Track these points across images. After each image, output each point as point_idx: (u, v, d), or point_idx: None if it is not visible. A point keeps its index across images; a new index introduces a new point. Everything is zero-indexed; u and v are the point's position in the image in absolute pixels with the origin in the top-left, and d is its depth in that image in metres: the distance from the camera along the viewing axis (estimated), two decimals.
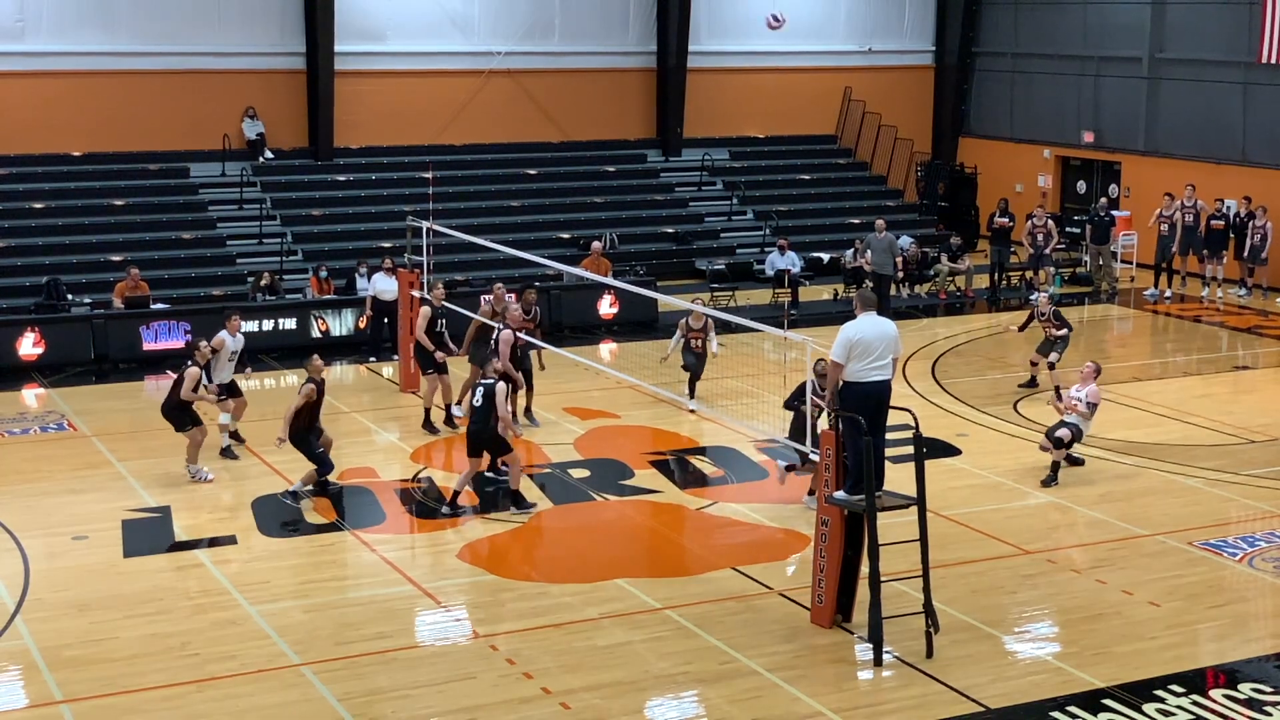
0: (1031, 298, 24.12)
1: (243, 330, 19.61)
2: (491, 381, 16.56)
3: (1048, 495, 17.27)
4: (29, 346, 23.60)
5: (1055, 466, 17.73)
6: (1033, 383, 22.33)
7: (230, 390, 19.11)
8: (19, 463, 18.72)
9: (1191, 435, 20.07)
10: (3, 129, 29.24)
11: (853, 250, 29.94)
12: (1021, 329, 22.55)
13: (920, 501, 13.11)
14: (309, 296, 26.17)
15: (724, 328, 23.07)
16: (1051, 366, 21.64)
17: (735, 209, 34.04)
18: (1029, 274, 30.67)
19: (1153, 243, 30.37)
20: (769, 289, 29.37)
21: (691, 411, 20.32)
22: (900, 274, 29.07)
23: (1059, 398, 20.12)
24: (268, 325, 24.94)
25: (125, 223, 29.01)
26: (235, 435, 19.16)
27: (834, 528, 13.34)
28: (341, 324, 25.41)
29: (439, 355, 20.00)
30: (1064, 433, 17.70)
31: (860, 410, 12.98)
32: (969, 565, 15.11)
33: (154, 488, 17.58)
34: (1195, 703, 12.08)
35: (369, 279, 25.38)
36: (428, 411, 20.11)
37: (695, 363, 21.04)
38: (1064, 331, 21.73)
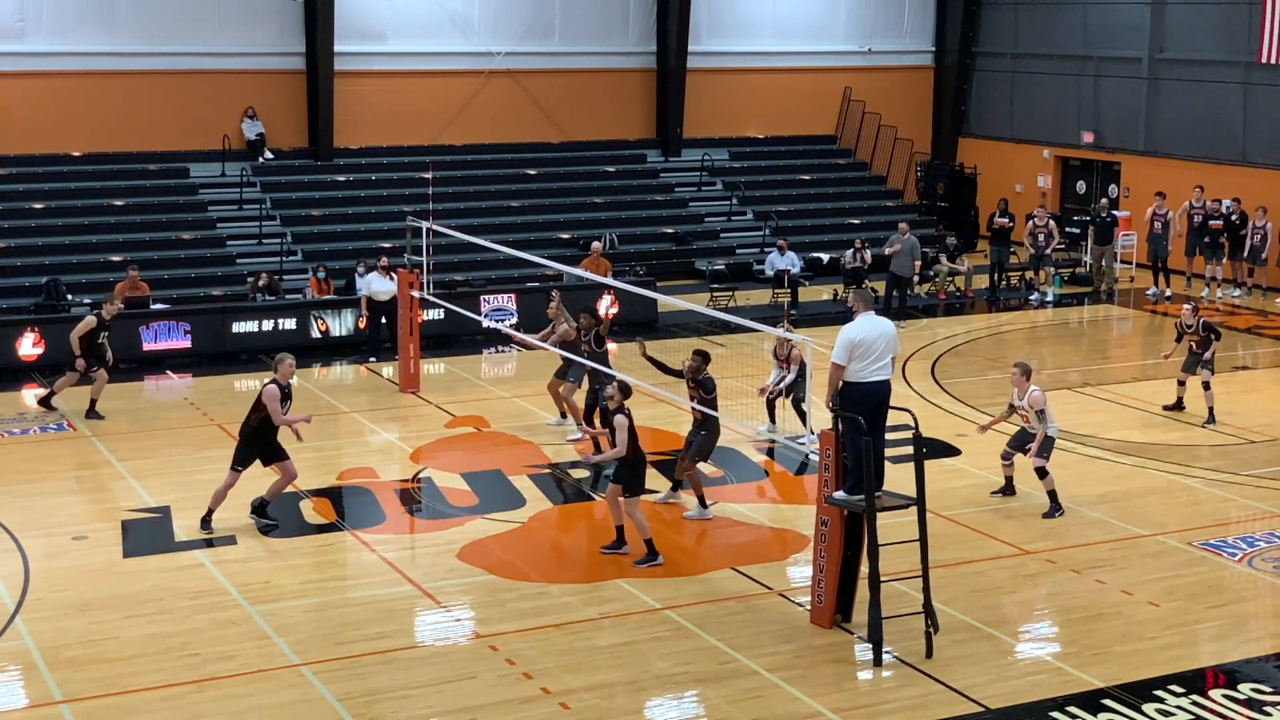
0: (1041, 299, 23.81)
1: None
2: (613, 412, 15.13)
3: (1047, 495, 17.23)
4: (29, 346, 23.60)
5: (1010, 480, 17.07)
6: (1179, 405, 20.95)
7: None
8: (19, 463, 18.72)
9: (1191, 435, 20.07)
10: (3, 129, 29.25)
11: (852, 250, 29.95)
12: (1178, 341, 21.07)
13: (920, 501, 13.11)
14: (308, 297, 26.17)
15: (724, 328, 23.10)
16: (1206, 386, 20.40)
17: (735, 209, 34.04)
18: (1029, 274, 30.68)
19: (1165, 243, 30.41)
20: (769, 289, 29.38)
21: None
22: (918, 276, 28.87)
23: (1211, 419, 19.97)
24: (267, 325, 24.94)
25: (125, 223, 29.01)
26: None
27: (834, 528, 13.35)
28: (341, 324, 25.40)
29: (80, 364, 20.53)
30: (1039, 463, 16.67)
31: (860, 410, 12.97)
32: (969, 565, 15.11)
33: (154, 488, 17.58)
34: (1195, 703, 12.09)
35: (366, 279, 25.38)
36: (93, 401, 20.53)
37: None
38: (1208, 353, 20.33)
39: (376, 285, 24.23)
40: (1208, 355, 20.47)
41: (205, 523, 15.99)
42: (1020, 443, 17.01)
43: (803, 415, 17.67)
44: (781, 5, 35.97)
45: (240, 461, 16.10)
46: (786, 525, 16.35)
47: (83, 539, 15.89)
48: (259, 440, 16.07)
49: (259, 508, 16.22)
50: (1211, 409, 20.48)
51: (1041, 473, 16.72)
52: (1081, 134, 34.97)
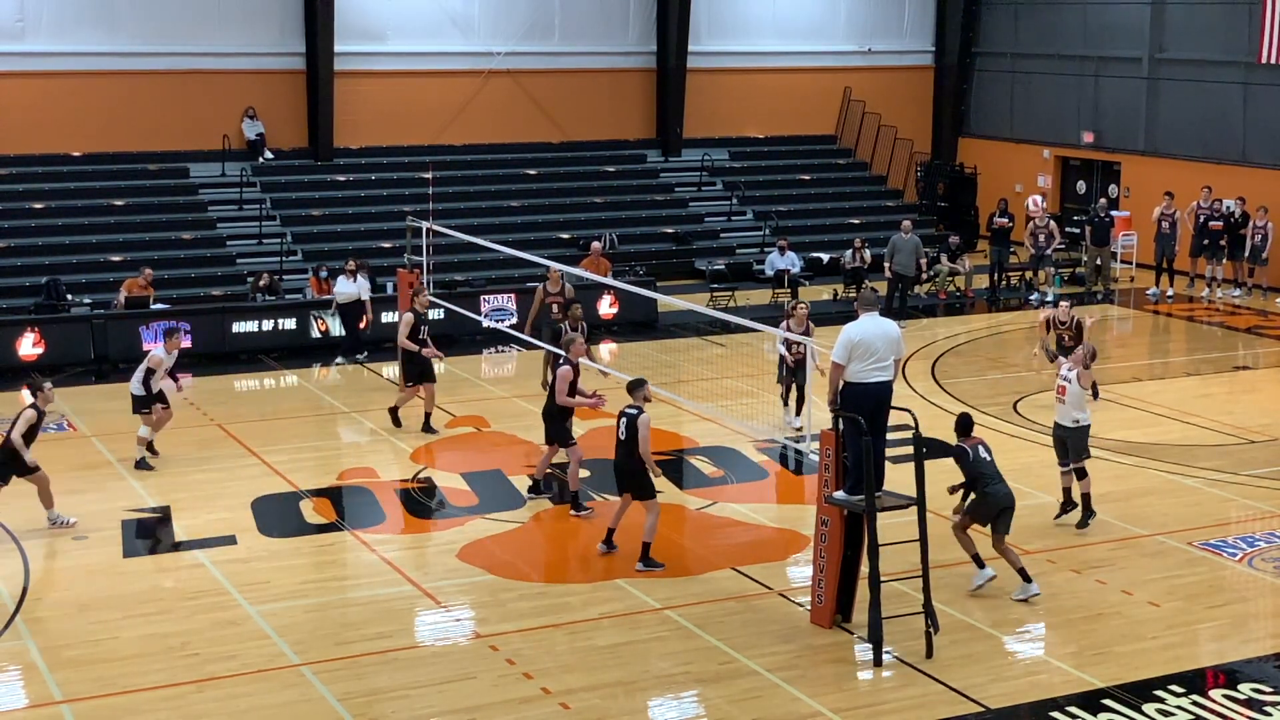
0: (1041, 299, 24.18)
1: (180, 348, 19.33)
2: (635, 412, 14.84)
3: (1047, 495, 17.23)
4: (29, 346, 23.60)
5: (1085, 500, 16.23)
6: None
7: (158, 399, 18.51)
8: None
9: (1191, 435, 20.07)
10: (3, 129, 29.25)
11: (852, 250, 29.95)
12: (1044, 342, 21.42)
13: (920, 501, 13.11)
14: (308, 297, 26.16)
15: (724, 328, 23.09)
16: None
17: (735, 209, 34.05)
18: (1029, 274, 30.67)
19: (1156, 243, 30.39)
20: (769, 289, 29.38)
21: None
22: (921, 275, 28.76)
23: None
24: (267, 325, 24.94)
25: (125, 223, 29.01)
26: (151, 448, 18.59)
27: (834, 528, 13.35)
28: (341, 324, 25.37)
29: (426, 353, 19.97)
30: (1081, 462, 16.22)
31: (860, 410, 12.98)
32: (969, 565, 15.08)
33: (154, 488, 17.59)
34: (1195, 703, 12.09)
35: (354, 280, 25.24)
36: (427, 416, 20.02)
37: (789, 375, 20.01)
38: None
39: (341, 289, 24.26)
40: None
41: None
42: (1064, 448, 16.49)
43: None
44: (781, 5, 35.97)
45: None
46: (787, 525, 16.34)
47: (83, 539, 15.90)
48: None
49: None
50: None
51: (1080, 473, 16.23)
52: (1081, 134, 34.97)
